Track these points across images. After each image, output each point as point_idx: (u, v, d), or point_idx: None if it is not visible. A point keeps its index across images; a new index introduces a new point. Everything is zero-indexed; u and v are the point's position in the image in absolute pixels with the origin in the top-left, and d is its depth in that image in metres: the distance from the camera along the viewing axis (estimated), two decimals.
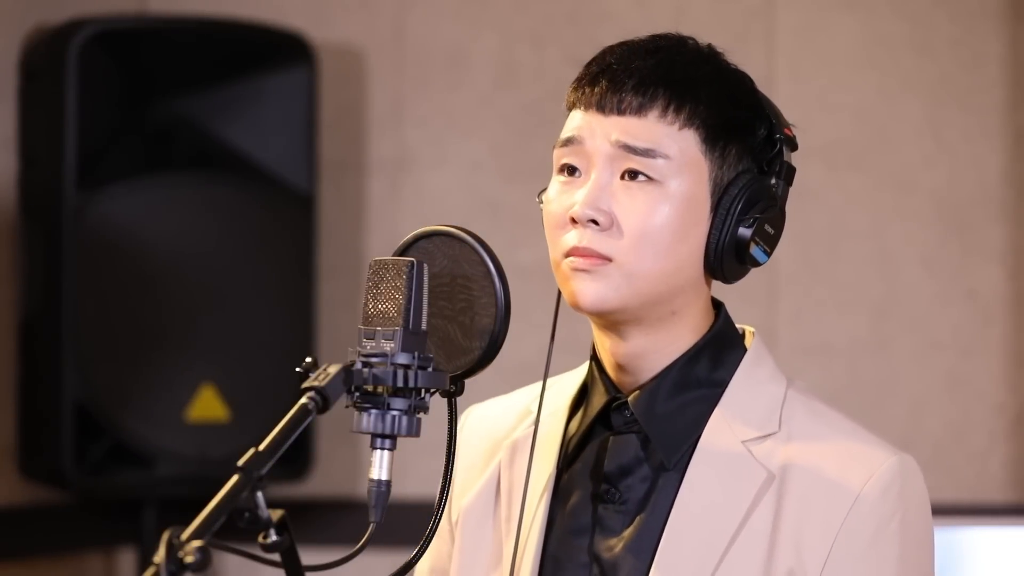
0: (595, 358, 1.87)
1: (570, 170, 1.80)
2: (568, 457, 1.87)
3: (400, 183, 3.97)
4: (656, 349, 1.82)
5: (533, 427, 1.87)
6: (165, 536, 1.42)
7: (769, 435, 1.80)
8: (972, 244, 3.75)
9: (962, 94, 3.77)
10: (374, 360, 1.62)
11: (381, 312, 1.65)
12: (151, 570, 1.41)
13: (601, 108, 1.79)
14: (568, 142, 1.80)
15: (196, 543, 1.41)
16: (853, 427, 1.82)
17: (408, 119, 3.97)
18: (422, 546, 1.72)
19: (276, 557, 1.55)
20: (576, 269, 1.77)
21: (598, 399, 1.85)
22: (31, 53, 3.63)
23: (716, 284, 1.85)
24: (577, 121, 1.80)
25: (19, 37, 3.67)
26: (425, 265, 1.66)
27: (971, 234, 3.75)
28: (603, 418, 1.85)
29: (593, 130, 1.79)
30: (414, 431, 1.64)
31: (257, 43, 3.73)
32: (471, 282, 1.71)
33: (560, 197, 1.80)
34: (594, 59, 1.83)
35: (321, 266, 3.80)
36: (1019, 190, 3.74)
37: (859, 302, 3.77)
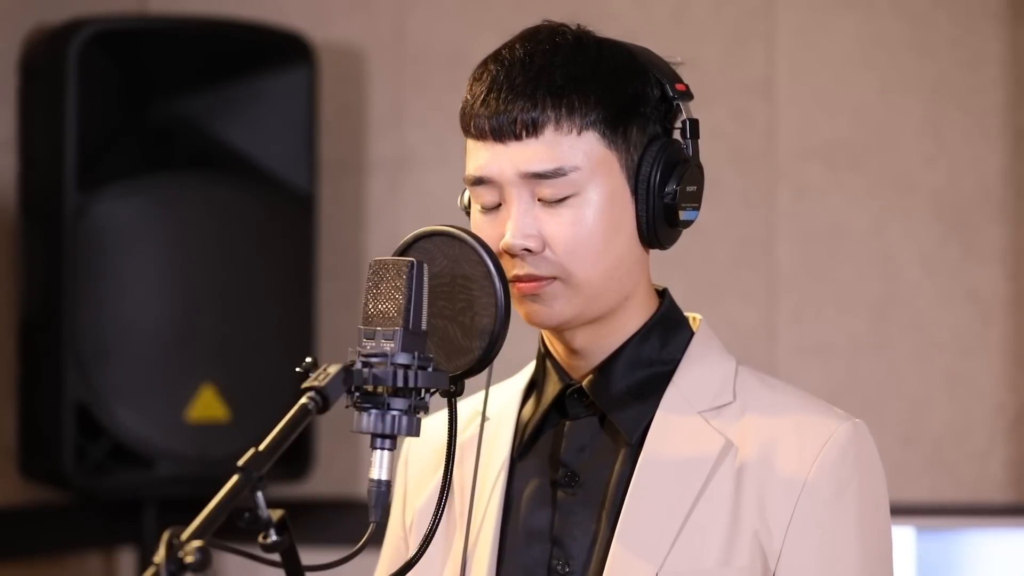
0: (544, 347, 1.89)
1: (491, 205, 1.80)
2: (523, 445, 1.89)
3: (400, 183, 3.97)
4: (609, 332, 1.84)
5: (481, 425, 1.90)
6: (165, 536, 1.42)
7: (724, 405, 1.84)
8: (972, 244, 3.75)
9: (962, 94, 3.76)
10: (374, 360, 1.63)
11: (381, 312, 1.65)
12: (151, 570, 1.41)
13: (498, 136, 1.78)
14: (479, 182, 1.80)
15: (196, 543, 1.41)
16: (805, 396, 1.86)
17: (408, 119, 3.96)
18: (422, 546, 1.72)
19: (276, 557, 1.55)
20: (525, 295, 1.79)
21: (552, 388, 1.88)
22: (31, 53, 3.62)
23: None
24: (482, 158, 1.79)
25: (19, 37, 3.67)
26: (425, 265, 1.67)
27: (971, 234, 3.75)
28: (558, 406, 1.87)
29: (499, 163, 1.78)
30: (414, 431, 1.65)
31: (257, 43, 3.73)
32: (471, 282, 1.71)
33: (486, 228, 1.80)
34: (474, 79, 1.81)
35: (321, 266, 3.80)
36: (1019, 190, 3.74)
37: (859, 302, 3.76)
